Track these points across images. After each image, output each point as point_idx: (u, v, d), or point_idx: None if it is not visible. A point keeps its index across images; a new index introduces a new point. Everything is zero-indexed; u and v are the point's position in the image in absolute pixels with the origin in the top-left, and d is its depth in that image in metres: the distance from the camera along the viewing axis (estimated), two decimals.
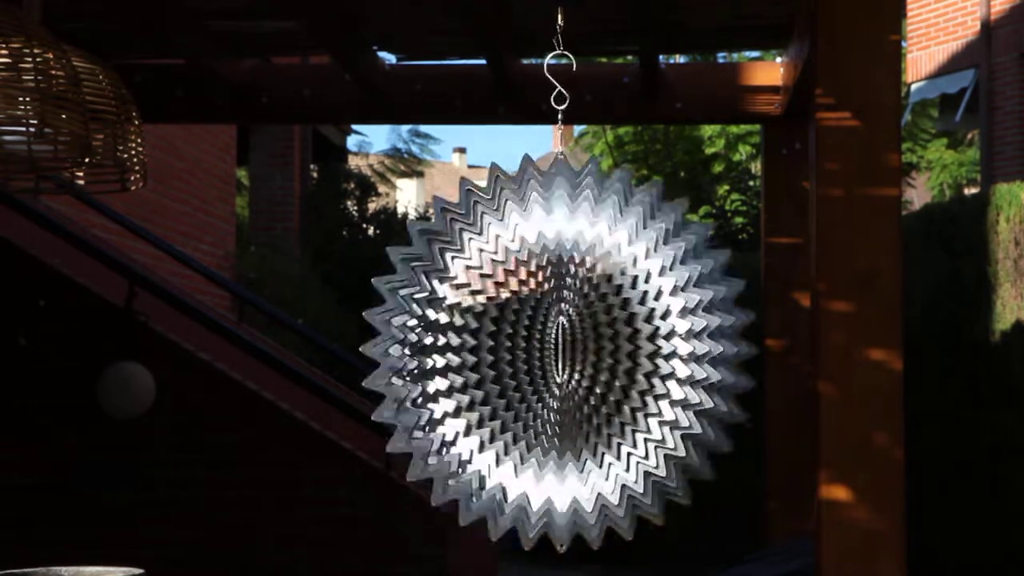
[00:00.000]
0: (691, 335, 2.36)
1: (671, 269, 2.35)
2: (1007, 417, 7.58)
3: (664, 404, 2.37)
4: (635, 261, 2.36)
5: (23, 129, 3.05)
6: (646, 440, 2.38)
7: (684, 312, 2.35)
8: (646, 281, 2.33)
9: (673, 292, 2.35)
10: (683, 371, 2.34)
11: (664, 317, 2.35)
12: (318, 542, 6.68)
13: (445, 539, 6.72)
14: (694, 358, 2.36)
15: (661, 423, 2.38)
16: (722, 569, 6.01)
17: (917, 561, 4.39)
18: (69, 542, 6.49)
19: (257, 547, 6.69)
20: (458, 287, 2.39)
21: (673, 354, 2.35)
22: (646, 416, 2.37)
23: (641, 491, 2.38)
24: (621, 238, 2.35)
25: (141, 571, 3.34)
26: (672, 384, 2.36)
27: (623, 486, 2.38)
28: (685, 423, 2.38)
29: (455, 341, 2.36)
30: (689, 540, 10.51)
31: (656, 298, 2.34)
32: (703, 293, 2.35)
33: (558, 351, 2.36)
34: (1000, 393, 7.64)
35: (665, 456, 2.38)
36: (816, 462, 3.99)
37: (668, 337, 2.35)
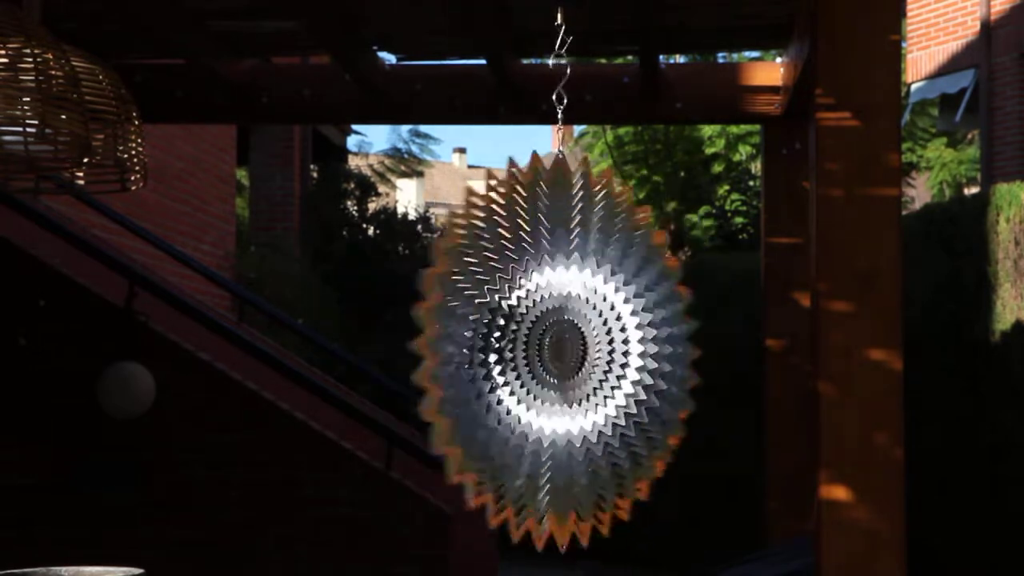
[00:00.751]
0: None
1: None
2: (1007, 417, 7.57)
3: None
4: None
5: (24, 129, 3.05)
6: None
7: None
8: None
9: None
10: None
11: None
12: (318, 542, 6.68)
13: (445, 539, 6.72)
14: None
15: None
16: (722, 569, 6.01)
17: (917, 561, 4.39)
18: (69, 542, 6.49)
19: (257, 547, 6.69)
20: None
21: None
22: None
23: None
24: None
25: (141, 571, 3.34)
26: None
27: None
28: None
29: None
30: (689, 540, 10.51)
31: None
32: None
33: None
34: (1000, 393, 7.64)
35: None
36: (816, 462, 3.99)
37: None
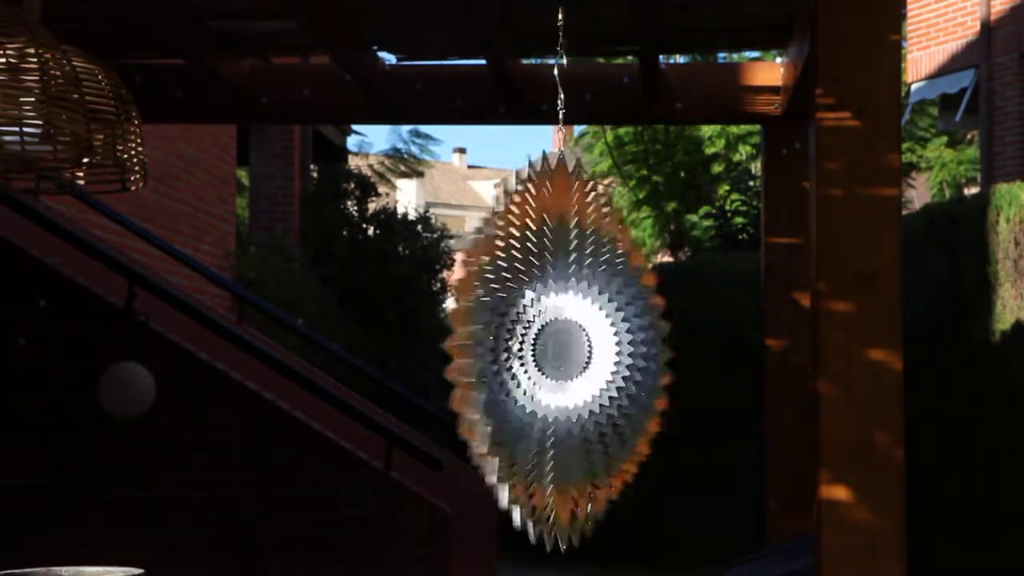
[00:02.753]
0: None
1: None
2: (1007, 417, 7.58)
3: None
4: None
5: (26, 130, 3.05)
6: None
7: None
8: None
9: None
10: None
11: None
12: (318, 542, 6.68)
13: (445, 539, 6.72)
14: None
15: None
16: (722, 569, 6.01)
17: (917, 561, 4.39)
18: (69, 542, 6.49)
19: (257, 547, 6.70)
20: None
21: None
22: None
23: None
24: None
25: (141, 571, 3.34)
26: None
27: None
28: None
29: None
30: (689, 539, 10.51)
31: None
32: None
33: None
34: (1000, 393, 7.64)
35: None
36: (816, 462, 3.99)
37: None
